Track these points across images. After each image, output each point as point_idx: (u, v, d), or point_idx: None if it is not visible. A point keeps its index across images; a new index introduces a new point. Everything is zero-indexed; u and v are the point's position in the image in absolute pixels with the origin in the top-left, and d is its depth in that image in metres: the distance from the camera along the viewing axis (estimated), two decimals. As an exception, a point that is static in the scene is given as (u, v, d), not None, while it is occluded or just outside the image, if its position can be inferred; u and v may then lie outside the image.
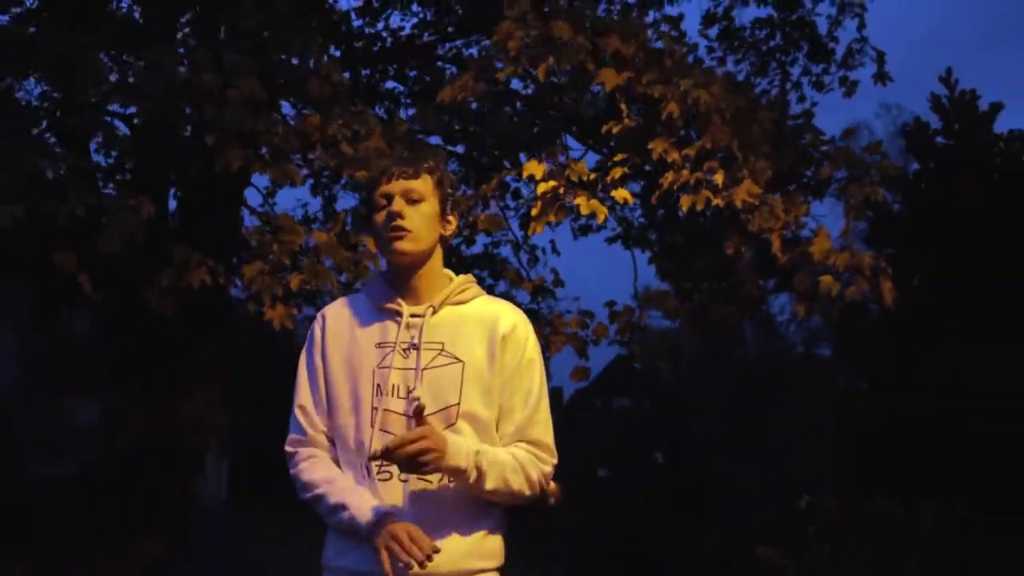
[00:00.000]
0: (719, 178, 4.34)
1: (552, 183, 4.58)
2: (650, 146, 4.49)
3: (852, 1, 7.63)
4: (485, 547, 2.06)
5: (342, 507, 1.99)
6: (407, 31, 8.26)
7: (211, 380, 6.99)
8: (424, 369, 2.05)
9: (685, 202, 4.38)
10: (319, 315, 2.22)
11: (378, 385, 2.04)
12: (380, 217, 2.08)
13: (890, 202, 8.73)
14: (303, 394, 2.14)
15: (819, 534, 5.69)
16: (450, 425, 2.02)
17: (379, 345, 2.08)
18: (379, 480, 2.01)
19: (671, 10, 7.75)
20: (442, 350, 2.07)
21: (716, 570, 6.87)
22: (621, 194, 4.63)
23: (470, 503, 2.03)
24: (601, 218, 4.62)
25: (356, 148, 4.83)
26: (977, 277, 7.49)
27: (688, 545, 9.55)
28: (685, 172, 4.40)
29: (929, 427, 6.53)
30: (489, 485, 1.99)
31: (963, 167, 8.62)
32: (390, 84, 8.45)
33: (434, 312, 2.09)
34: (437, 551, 1.87)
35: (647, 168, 4.94)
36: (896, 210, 9.00)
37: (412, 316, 2.08)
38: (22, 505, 9.13)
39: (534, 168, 4.64)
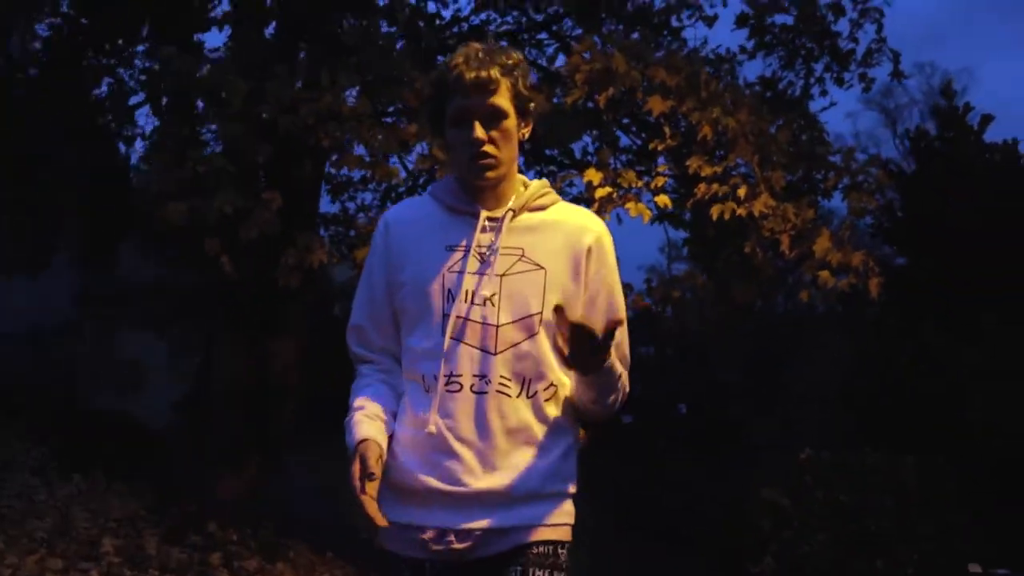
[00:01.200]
0: (742, 192, 5.53)
1: (608, 189, 5.77)
2: (688, 163, 5.69)
3: (870, 8, 8.68)
4: (565, 468, 2.01)
5: (347, 432, 1.96)
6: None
7: (299, 334, 8.29)
8: (503, 275, 1.97)
9: (715, 211, 5.58)
10: (381, 220, 2.15)
11: (448, 290, 1.96)
12: (460, 138, 1.99)
13: (892, 200, 10.02)
14: (358, 312, 2.10)
15: (815, 481, 6.99)
16: (532, 335, 1.95)
17: (449, 248, 2.00)
18: (447, 391, 1.93)
19: (708, 10, 8.77)
20: (522, 256, 1.99)
21: (728, 507, 8.20)
22: (662, 199, 5.84)
23: (546, 419, 1.98)
24: (646, 219, 5.81)
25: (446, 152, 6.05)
26: (960, 271, 8.78)
27: (705, 486, 10.88)
28: (715, 185, 5.59)
29: (914, 394, 7.78)
30: (618, 392, 2.01)
31: (954, 172, 9.84)
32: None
33: (514, 216, 2.02)
34: (372, 477, 1.82)
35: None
36: (898, 209, 10.27)
37: (489, 220, 2.01)
38: (105, 434, 10.54)
39: (593, 175, 5.82)
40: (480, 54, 1.96)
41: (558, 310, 1.82)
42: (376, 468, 1.83)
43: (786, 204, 5.81)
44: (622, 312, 2.05)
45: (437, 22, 9.15)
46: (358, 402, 2.01)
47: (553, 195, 2.10)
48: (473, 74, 1.93)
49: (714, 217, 5.55)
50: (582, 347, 1.81)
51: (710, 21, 8.76)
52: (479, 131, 1.94)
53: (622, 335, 2.04)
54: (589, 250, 2.02)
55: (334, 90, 5.80)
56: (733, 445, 17.20)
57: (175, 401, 10.30)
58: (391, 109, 6.53)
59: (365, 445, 1.88)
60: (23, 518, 6.91)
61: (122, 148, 10.15)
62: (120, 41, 8.50)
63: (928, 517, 6.47)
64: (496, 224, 2.01)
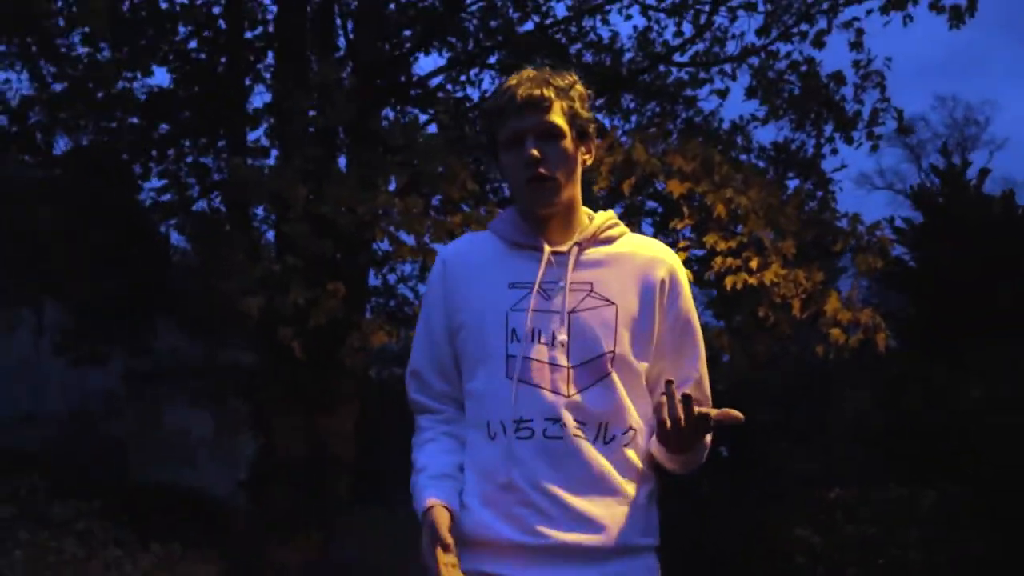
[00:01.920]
0: (754, 264, 6.34)
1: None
2: (704, 239, 6.52)
3: (872, 71, 9.52)
4: (651, 519, 1.92)
5: (414, 497, 1.91)
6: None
7: (353, 406, 9.13)
8: (571, 312, 1.89)
9: (728, 281, 6.40)
10: (438, 258, 2.07)
11: (513, 330, 1.88)
12: (514, 160, 1.93)
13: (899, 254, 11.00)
14: (417, 356, 2.03)
15: (843, 517, 7.72)
16: (603, 377, 1.87)
17: (512, 285, 1.92)
18: (518, 439, 1.84)
19: (718, 83, 9.67)
20: (591, 291, 1.91)
21: (763, 544, 8.91)
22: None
23: (627, 466, 1.88)
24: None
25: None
26: (960, 314, 9.64)
27: (742, 523, 11.56)
28: (730, 259, 6.41)
29: (931, 428, 8.51)
30: (702, 457, 1.93)
31: (952, 226, 10.77)
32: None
33: (580, 250, 1.94)
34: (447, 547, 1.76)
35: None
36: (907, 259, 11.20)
37: (554, 254, 1.93)
38: (171, 507, 11.39)
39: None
40: (533, 75, 1.95)
41: (668, 385, 1.73)
42: (448, 536, 1.77)
43: (797, 270, 6.61)
44: (701, 347, 2.00)
45: (467, 104, 10.14)
46: (421, 461, 1.94)
47: (622, 227, 2.02)
48: (525, 92, 1.90)
49: (728, 287, 6.36)
50: (688, 427, 1.71)
51: (723, 94, 9.68)
52: (532, 147, 1.89)
53: (702, 372, 2.00)
54: (662, 283, 1.94)
55: (387, 190, 6.70)
56: (773, 484, 17.81)
57: (241, 478, 11.10)
58: (435, 201, 7.38)
59: (433, 512, 1.81)
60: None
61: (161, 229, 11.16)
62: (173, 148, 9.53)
63: (947, 547, 7.17)
64: (562, 259, 1.92)
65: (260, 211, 8.03)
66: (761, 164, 10.01)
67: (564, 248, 1.94)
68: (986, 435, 7.78)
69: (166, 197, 9.54)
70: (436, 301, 2.01)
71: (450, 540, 1.78)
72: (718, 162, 6.60)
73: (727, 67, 9.51)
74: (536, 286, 1.90)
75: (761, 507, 9.82)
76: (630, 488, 1.86)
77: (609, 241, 1.98)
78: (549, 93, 1.92)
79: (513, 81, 1.95)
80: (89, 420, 18.60)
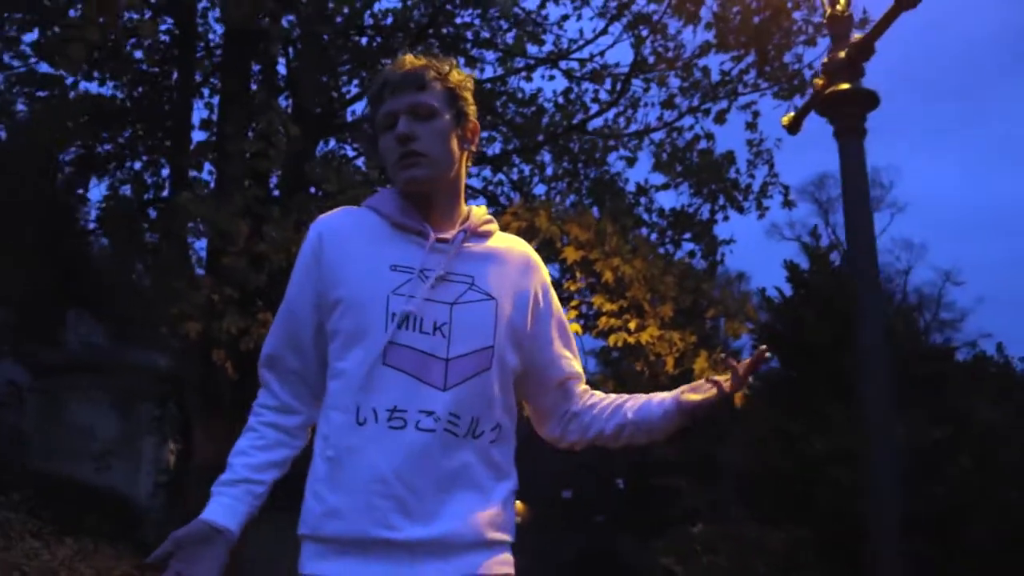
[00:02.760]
0: (632, 325, 7.63)
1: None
2: (592, 299, 7.78)
3: (763, 150, 10.96)
4: (505, 516, 1.94)
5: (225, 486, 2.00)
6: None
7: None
8: (454, 304, 1.91)
9: (611, 339, 7.67)
10: (311, 231, 2.02)
11: (393, 314, 1.86)
12: (387, 142, 1.95)
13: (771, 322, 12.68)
14: (274, 336, 2.01)
15: (703, 549, 9.06)
16: (484, 370, 1.90)
17: (394, 268, 1.91)
18: (390, 428, 1.83)
19: (625, 151, 10.99)
20: (472, 284, 1.94)
21: (631, 570, 10.24)
22: (574, 327, 7.90)
23: (491, 462, 1.91)
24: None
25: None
26: (815, 374, 11.18)
27: (631, 555, 12.92)
28: (613, 320, 7.68)
29: (784, 475, 9.95)
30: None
31: (812, 295, 12.46)
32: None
33: (464, 239, 1.97)
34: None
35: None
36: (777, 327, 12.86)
37: (439, 241, 1.95)
38: (82, 501, 12.21)
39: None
40: (410, 58, 1.99)
41: (762, 352, 1.95)
42: (167, 549, 1.86)
43: (672, 332, 7.91)
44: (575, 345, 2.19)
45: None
46: (235, 449, 2.02)
47: (495, 223, 2.08)
48: (400, 73, 1.95)
49: (610, 344, 7.63)
50: (720, 396, 1.93)
51: (631, 161, 11.02)
52: (405, 126, 1.91)
53: (580, 364, 2.16)
54: (536, 283, 2.05)
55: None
56: (662, 516, 19.32)
57: (156, 479, 12.03)
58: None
59: (193, 528, 1.92)
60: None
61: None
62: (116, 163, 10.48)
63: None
64: (445, 247, 1.95)
65: (198, 242, 9.05)
66: (662, 222, 11.36)
67: (448, 236, 1.96)
68: (824, 483, 9.17)
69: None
70: (308, 273, 1.96)
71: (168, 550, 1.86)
72: (609, 233, 7.87)
73: (634, 140, 10.82)
74: (420, 272, 1.90)
75: (637, 537, 11.13)
76: (491, 485, 1.90)
77: (486, 235, 2.03)
78: (424, 74, 1.96)
79: (392, 67, 2.00)
80: (-10, 410, 19.15)
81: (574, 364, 2.12)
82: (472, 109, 2.04)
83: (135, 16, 7.53)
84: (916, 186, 56.38)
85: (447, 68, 2.00)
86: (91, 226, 11.94)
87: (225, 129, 8.99)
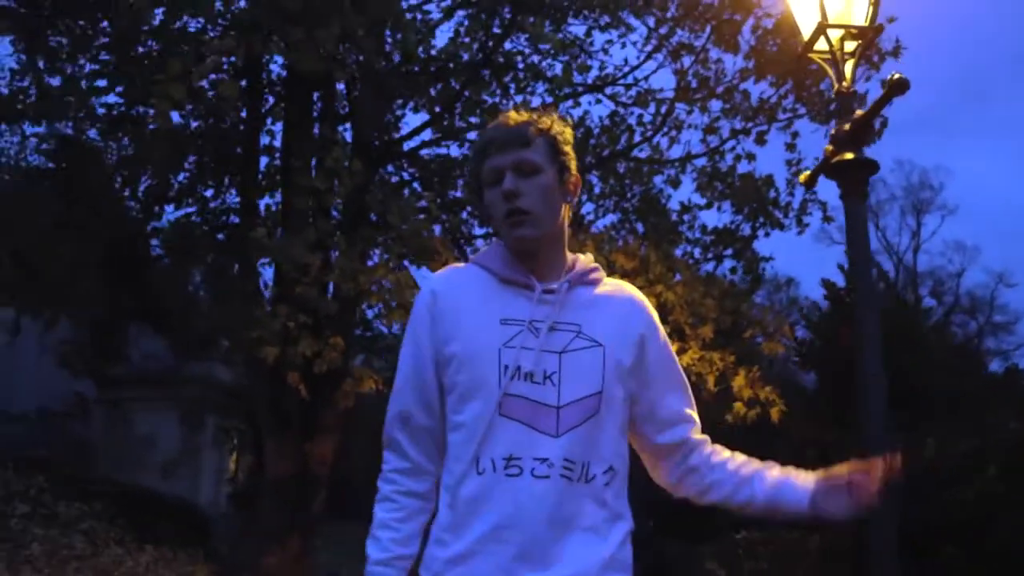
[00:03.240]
0: (675, 348, 8.34)
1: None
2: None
3: (802, 169, 11.60)
4: (623, 556, 2.03)
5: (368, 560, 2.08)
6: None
7: (334, 435, 11.02)
8: (562, 353, 2.00)
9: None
10: (425, 288, 2.16)
11: (506, 366, 1.97)
12: (494, 196, 2.07)
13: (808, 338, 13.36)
14: (403, 392, 2.12)
15: (744, 554, 9.76)
16: (590, 417, 1.99)
17: (504, 322, 2.02)
18: (507, 476, 1.94)
19: (670, 172, 11.70)
20: (579, 332, 2.03)
21: (680, 574, 10.96)
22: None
23: (605, 504, 2.00)
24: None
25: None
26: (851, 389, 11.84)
27: (668, 554, 13.62)
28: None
29: None
30: None
31: (849, 311, 13.12)
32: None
33: (569, 288, 2.06)
34: None
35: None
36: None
37: (546, 292, 2.04)
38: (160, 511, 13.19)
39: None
40: (514, 114, 2.12)
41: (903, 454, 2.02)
42: None
43: (712, 352, 8.61)
44: (684, 377, 2.23)
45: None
46: (377, 521, 2.09)
47: (600, 271, 2.17)
48: (505, 130, 2.08)
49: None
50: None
51: (675, 183, 11.74)
52: (510, 183, 2.02)
53: (692, 402, 2.21)
54: (644, 325, 2.12)
55: (384, 263, 8.64)
56: (712, 523, 20.07)
57: (232, 492, 12.95)
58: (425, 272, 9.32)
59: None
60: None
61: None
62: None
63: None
64: (552, 297, 2.04)
65: (268, 272, 9.95)
66: (706, 239, 12.05)
67: (554, 286, 2.06)
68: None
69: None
70: (423, 331, 2.08)
71: None
72: (653, 261, 8.60)
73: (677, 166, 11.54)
74: (529, 324, 2.00)
75: (686, 542, 11.85)
76: (607, 527, 1.99)
77: (593, 284, 2.12)
78: (529, 130, 2.07)
79: (496, 120, 2.15)
80: (56, 420, 20.32)
81: (686, 408, 2.17)
82: (573, 163, 2.14)
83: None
84: (968, 187, 56.45)
85: (549, 123, 2.11)
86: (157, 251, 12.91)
87: (291, 162, 9.87)
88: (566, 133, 2.15)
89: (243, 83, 11.36)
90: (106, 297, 11.87)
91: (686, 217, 12.08)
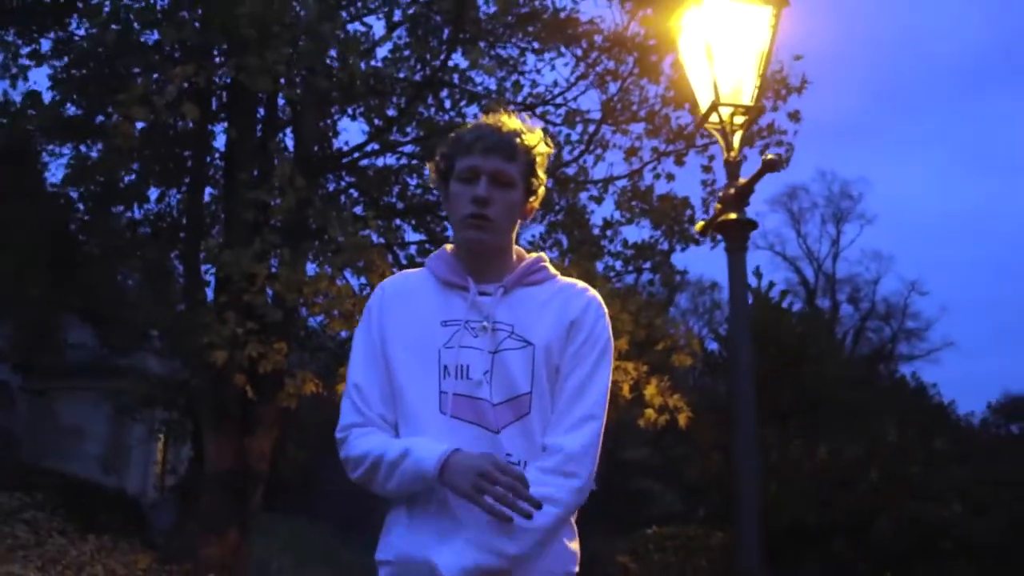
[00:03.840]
0: (593, 358, 9.40)
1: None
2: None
3: (716, 191, 12.76)
4: (571, 549, 2.21)
5: (404, 455, 2.06)
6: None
7: (272, 431, 11.90)
8: (495, 352, 2.13)
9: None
10: (378, 288, 2.32)
11: (444, 366, 2.13)
12: (462, 194, 2.19)
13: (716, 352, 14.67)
14: (357, 372, 2.23)
15: (655, 548, 10.90)
16: (522, 416, 2.12)
17: (444, 323, 2.17)
18: None
19: (594, 191, 12.76)
20: (512, 332, 2.15)
21: (593, 568, 12.09)
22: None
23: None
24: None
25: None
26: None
27: (597, 554, 14.78)
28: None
29: (726, 484, 11.93)
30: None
31: (757, 332, 14.44)
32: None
33: (505, 292, 2.18)
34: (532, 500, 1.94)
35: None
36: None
37: (481, 294, 2.19)
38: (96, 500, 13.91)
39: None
40: (507, 123, 2.23)
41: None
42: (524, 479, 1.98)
43: (627, 363, 9.69)
44: (587, 390, 2.17)
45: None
46: (376, 441, 2.15)
47: (548, 271, 2.28)
48: (496, 138, 2.18)
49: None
50: None
51: (598, 200, 12.80)
52: (484, 189, 2.15)
53: (562, 409, 2.16)
54: (573, 322, 2.18)
55: (324, 274, 9.56)
56: (635, 519, 21.31)
57: (164, 483, 13.73)
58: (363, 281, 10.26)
59: (461, 452, 2.03)
60: (77, 570, 10.37)
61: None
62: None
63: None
64: (486, 299, 2.17)
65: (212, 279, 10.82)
66: (627, 252, 13.14)
67: (490, 288, 2.19)
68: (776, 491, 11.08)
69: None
70: (376, 325, 2.23)
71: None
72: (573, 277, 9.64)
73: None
74: (464, 325, 2.13)
75: (603, 536, 12.98)
76: (546, 519, 2.05)
77: (535, 283, 2.24)
78: (516, 144, 2.18)
79: (490, 121, 2.23)
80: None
81: (567, 410, 2.16)
82: (541, 189, 2.29)
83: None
84: (887, 197, 59.75)
85: (534, 142, 2.24)
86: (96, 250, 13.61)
87: (237, 176, 10.72)
88: (544, 156, 2.28)
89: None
90: (49, 297, 12.59)
91: (608, 232, 13.17)
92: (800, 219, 35.29)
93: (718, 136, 5.93)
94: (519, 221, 2.28)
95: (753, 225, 5.70)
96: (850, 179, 52.26)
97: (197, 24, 9.88)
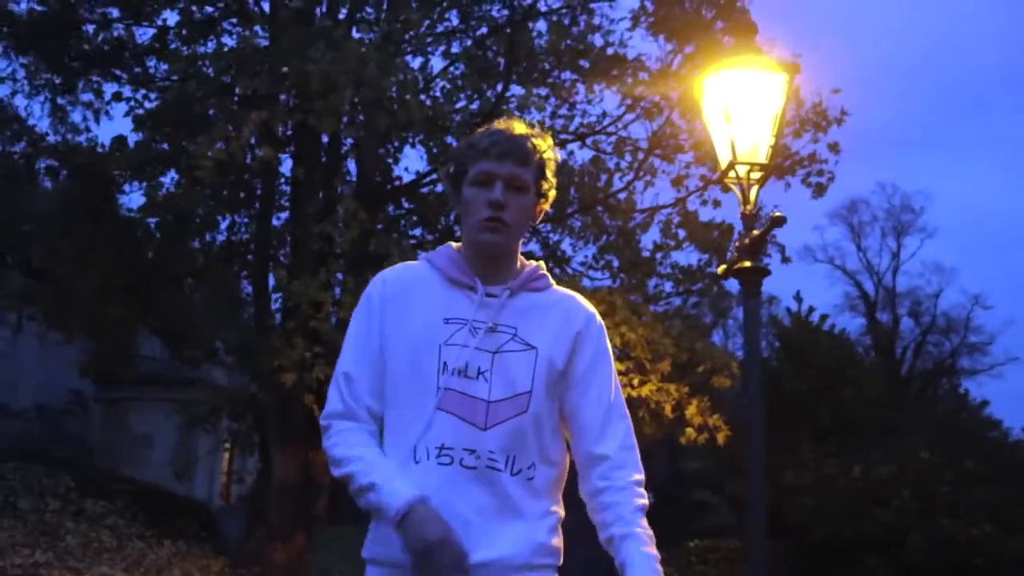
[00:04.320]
0: (636, 381, 10.21)
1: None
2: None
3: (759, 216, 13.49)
4: (552, 543, 2.26)
5: (371, 487, 2.13)
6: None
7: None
8: (496, 352, 2.24)
9: (617, 393, 10.28)
10: (377, 278, 2.38)
11: (444, 363, 2.21)
12: (478, 197, 2.28)
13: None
14: (348, 361, 2.31)
15: (698, 559, 11.67)
16: (519, 414, 2.22)
17: (447, 321, 2.26)
18: (439, 464, 2.17)
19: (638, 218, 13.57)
20: (515, 335, 2.26)
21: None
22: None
23: (534, 495, 2.23)
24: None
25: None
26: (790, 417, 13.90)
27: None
28: (620, 377, 10.30)
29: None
30: None
31: (792, 353, 15.13)
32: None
33: (511, 295, 2.28)
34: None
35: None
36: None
37: (488, 296, 2.29)
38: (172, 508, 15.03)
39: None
40: (520, 128, 2.34)
41: None
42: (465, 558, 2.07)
43: (669, 384, 10.51)
44: (611, 373, 2.37)
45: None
46: (356, 450, 2.23)
47: (548, 279, 2.40)
48: (510, 143, 2.29)
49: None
50: None
51: (645, 227, 13.61)
52: (500, 194, 2.25)
53: (613, 391, 2.34)
54: (578, 333, 2.31)
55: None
56: (688, 530, 22.09)
57: (242, 494, 14.79)
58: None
59: (424, 505, 2.10)
60: (157, 572, 11.43)
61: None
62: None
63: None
64: (493, 301, 2.28)
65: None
66: (678, 275, 13.92)
67: (496, 291, 2.30)
68: (793, 507, 11.78)
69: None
70: (375, 314, 2.31)
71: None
72: (619, 305, 10.48)
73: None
74: (469, 324, 2.24)
75: (662, 546, 13.84)
76: (535, 515, 2.22)
77: (537, 290, 2.34)
78: (529, 150, 2.29)
79: (502, 127, 2.34)
80: (54, 417, 22.04)
81: (603, 420, 2.29)
82: (552, 193, 2.38)
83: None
84: (950, 208, 59.83)
85: (545, 147, 2.34)
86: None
87: (304, 208, 11.72)
88: (554, 162, 2.39)
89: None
90: (126, 316, 13.70)
91: (658, 255, 13.97)
92: (860, 232, 35.75)
93: (736, 191, 6.73)
94: (528, 226, 2.40)
95: (766, 272, 6.50)
96: (911, 191, 52.54)
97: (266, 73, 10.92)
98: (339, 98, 10.00)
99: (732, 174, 6.70)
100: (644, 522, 2.21)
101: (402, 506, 2.08)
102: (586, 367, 2.30)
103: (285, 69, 10.16)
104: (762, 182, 6.73)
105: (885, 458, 12.42)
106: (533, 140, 2.32)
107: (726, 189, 14.10)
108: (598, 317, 2.40)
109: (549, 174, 2.35)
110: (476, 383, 2.21)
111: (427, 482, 2.14)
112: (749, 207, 6.60)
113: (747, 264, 6.40)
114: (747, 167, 6.63)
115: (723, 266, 7.04)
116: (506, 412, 2.21)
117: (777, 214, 6.17)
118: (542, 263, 2.43)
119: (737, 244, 6.55)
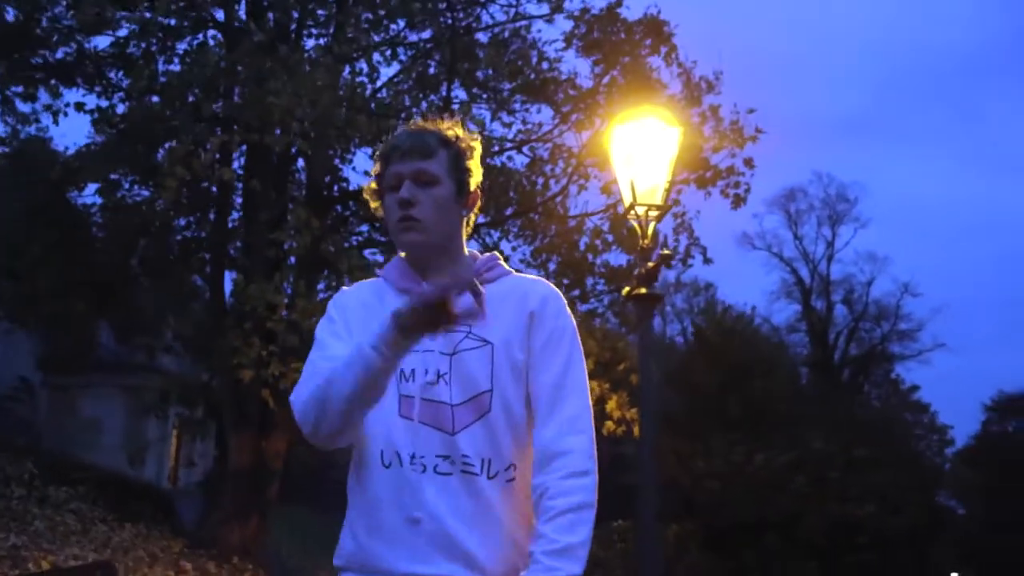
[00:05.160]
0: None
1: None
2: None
3: (685, 221, 15.06)
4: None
5: (353, 355, 2.07)
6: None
7: (283, 430, 14.30)
8: (452, 354, 2.22)
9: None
10: (336, 296, 2.41)
11: (402, 370, 2.20)
12: (390, 202, 2.28)
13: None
14: (318, 356, 2.24)
15: (619, 538, 13.30)
16: (483, 415, 2.20)
17: None
18: (414, 472, 2.17)
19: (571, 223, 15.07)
20: (469, 333, 2.23)
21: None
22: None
23: (511, 498, 2.20)
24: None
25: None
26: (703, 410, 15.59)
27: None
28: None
29: (678, 484, 14.37)
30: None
31: (704, 349, 16.90)
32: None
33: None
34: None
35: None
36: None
37: None
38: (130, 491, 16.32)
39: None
40: (421, 124, 2.35)
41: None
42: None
43: (592, 381, 12.04)
44: (569, 351, 2.25)
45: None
46: (324, 369, 2.16)
47: (502, 268, 2.37)
48: (409, 140, 2.28)
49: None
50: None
51: (579, 230, 15.12)
52: (407, 191, 2.23)
53: (570, 369, 2.23)
54: (532, 314, 2.25)
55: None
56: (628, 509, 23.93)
57: (191, 479, 16.16)
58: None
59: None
60: (124, 553, 12.78)
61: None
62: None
63: (680, 564, 12.81)
64: None
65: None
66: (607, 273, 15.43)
67: None
68: (702, 492, 13.45)
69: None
70: (337, 323, 2.32)
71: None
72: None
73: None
74: None
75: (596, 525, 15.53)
76: (512, 521, 2.20)
77: (489, 281, 2.30)
78: (432, 142, 2.29)
79: (407, 128, 2.36)
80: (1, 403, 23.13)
81: (554, 402, 2.21)
82: (475, 179, 2.35)
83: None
84: (883, 197, 62.77)
85: (454, 136, 2.33)
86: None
87: (257, 216, 13.10)
88: (471, 148, 2.35)
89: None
90: (89, 313, 15.02)
91: (589, 256, 15.47)
92: (797, 221, 37.63)
93: (636, 226, 8.22)
94: (462, 216, 2.36)
95: (659, 299, 8.02)
96: (847, 182, 54.86)
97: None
98: (296, 125, 11.39)
99: (632, 213, 8.19)
100: (562, 534, 2.10)
101: (382, 327, 2.06)
102: (540, 347, 2.25)
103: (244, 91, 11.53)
104: (658, 219, 8.23)
105: (786, 447, 14.14)
106: (439, 131, 2.33)
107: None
108: (559, 297, 2.33)
109: (467, 163, 2.34)
110: (437, 388, 2.22)
111: (401, 490, 2.18)
112: (646, 241, 8.07)
113: (643, 291, 7.90)
114: (645, 208, 8.11)
115: (627, 289, 8.54)
116: (471, 414, 2.21)
117: (666, 251, 7.70)
118: (497, 253, 2.45)
119: (635, 273, 8.01)
